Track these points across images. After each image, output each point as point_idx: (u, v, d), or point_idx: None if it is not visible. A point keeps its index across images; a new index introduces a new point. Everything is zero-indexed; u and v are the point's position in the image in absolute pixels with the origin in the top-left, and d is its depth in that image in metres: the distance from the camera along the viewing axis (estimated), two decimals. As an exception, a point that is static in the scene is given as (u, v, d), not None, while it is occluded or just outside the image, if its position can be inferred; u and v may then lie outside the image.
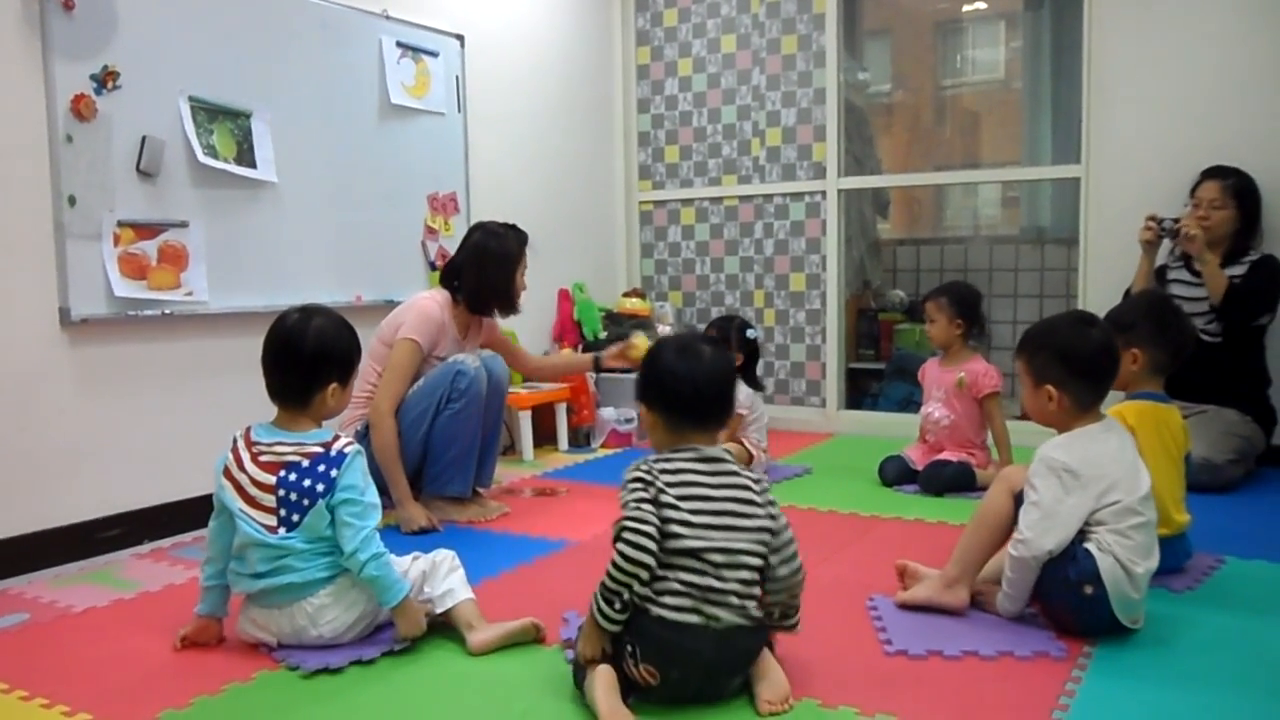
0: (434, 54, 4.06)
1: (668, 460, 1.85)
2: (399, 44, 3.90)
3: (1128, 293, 3.85)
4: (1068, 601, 2.10)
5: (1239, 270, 3.67)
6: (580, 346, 4.69)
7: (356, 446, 2.13)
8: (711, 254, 5.13)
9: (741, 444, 3.67)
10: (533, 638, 2.13)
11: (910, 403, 4.88)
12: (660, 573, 1.77)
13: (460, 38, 4.19)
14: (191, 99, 3.14)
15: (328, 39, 3.61)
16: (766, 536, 1.84)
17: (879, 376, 5.27)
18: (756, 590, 1.84)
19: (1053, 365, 2.19)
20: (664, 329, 4.82)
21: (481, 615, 2.14)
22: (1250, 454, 3.58)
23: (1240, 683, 1.91)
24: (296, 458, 2.08)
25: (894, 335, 5.41)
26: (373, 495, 2.11)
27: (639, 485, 1.82)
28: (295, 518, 2.04)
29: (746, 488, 1.86)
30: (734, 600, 1.79)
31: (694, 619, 1.76)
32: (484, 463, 3.28)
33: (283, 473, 2.06)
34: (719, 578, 1.78)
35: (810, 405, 4.90)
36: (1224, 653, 2.06)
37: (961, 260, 5.90)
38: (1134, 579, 2.07)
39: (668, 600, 1.77)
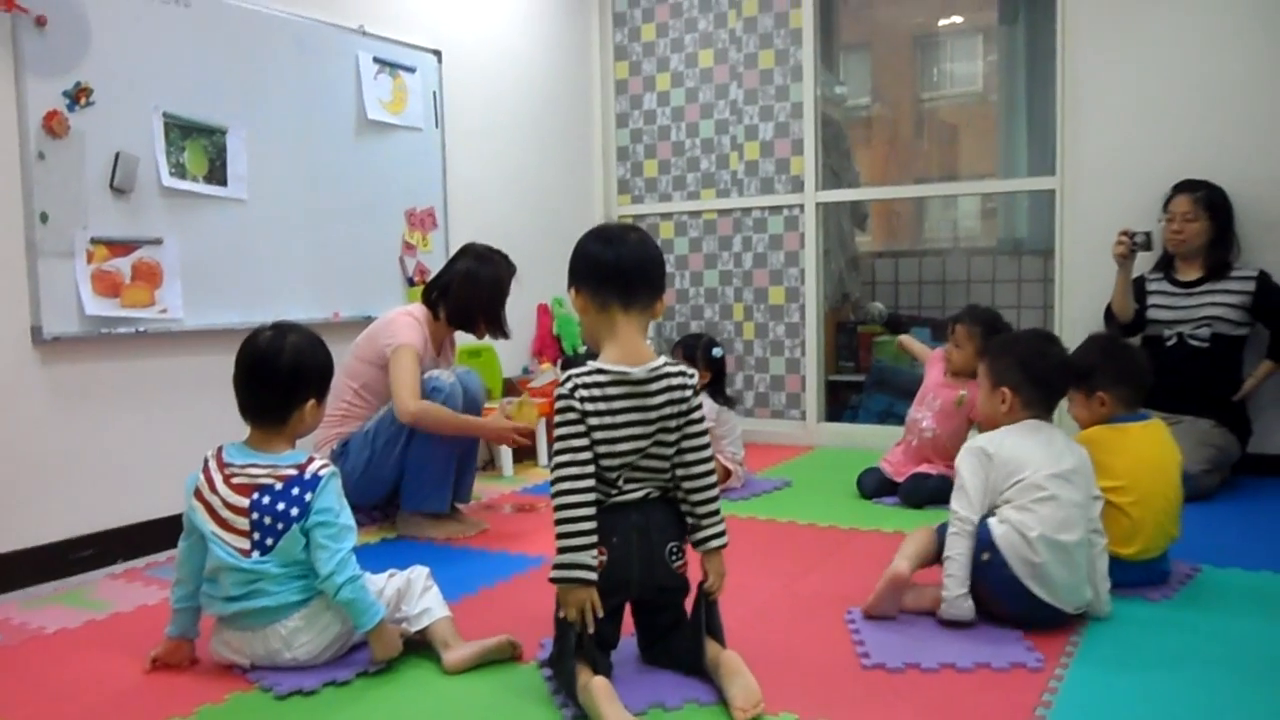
0: (411, 69, 4.06)
1: (598, 386, 1.91)
2: (376, 60, 3.89)
3: (1108, 309, 3.88)
4: (979, 577, 2.22)
5: (1233, 285, 3.71)
6: (560, 361, 4.69)
7: (331, 468, 2.11)
8: (690, 268, 5.13)
9: (715, 458, 3.66)
10: (509, 655, 2.12)
11: (890, 414, 4.89)
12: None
13: (438, 53, 4.19)
14: (166, 115, 3.13)
15: (304, 55, 3.60)
16: (671, 439, 1.99)
17: (859, 389, 5.28)
18: (670, 484, 2.02)
19: (1013, 370, 2.37)
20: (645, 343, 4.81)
21: (457, 633, 2.13)
22: (1225, 463, 3.60)
23: (1216, 689, 1.92)
24: (270, 480, 2.05)
25: (873, 347, 5.42)
26: (348, 517, 2.09)
27: (573, 418, 1.89)
28: (269, 541, 2.02)
29: (675, 401, 1.96)
30: (650, 487, 1.99)
31: (617, 503, 1.95)
32: (462, 479, 3.26)
33: (256, 495, 2.04)
34: (640, 479, 1.97)
35: (790, 418, 4.90)
36: (1200, 659, 2.07)
37: (940, 272, 5.94)
38: (1031, 543, 2.17)
39: (601, 498, 1.94)
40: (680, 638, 2.02)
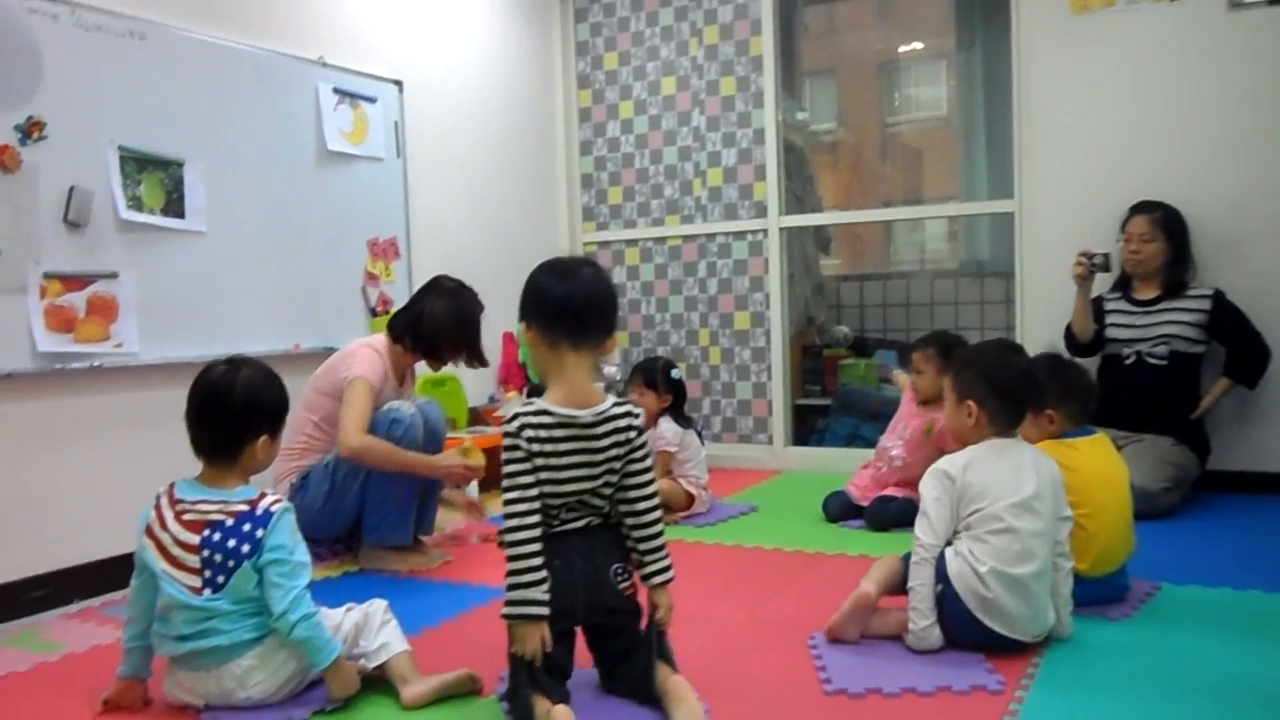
0: (372, 100, 4.06)
1: (544, 428, 1.91)
2: (336, 90, 3.89)
3: (1068, 329, 3.92)
4: (936, 607, 2.21)
5: (1190, 304, 3.76)
6: (526, 389, 4.67)
7: (285, 504, 2.08)
8: (656, 294, 5.14)
9: (678, 484, 3.66)
10: (469, 689, 2.09)
11: (856, 437, 4.91)
12: None
13: (399, 83, 4.19)
14: (121, 148, 3.10)
15: (263, 86, 3.59)
16: (613, 476, 1.98)
17: (825, 412, 5.29)
18: (608, 508, 2.02)
19: (977, 383, 2.33)
20: (609, 369, 4.82)
21: (416, 668, 2.10)
22: (1185, 481, 3.64)
23: (1177, 709, 1.93)
24: (221, 516, 2.02)
25: (839, 371, 5.44)
26: (302, 553, 2.06)
27: (520, 455, 1.90)
28: (220, 579, 1.99)
29: (620, 444, 1.97)
30: (591, 516, 1.99)
31: (559, 530, 1.96)
32: (424, 510, 3.23)
33: (207, 532, 2.01)
34: (581, 511, 1.98)
35: (757, 443, 4.90)
36: (1160, 678, 2.08)
37: (904, 295, 5.98)
38: (981, 578, 2.16)
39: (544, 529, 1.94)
40: (635, 664, 2.00)
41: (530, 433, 1.90)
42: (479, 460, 3.14)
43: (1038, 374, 2.42)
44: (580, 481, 1.94)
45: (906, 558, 2.32)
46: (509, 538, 1.89)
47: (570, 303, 1.95)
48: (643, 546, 2.01)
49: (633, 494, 2.00)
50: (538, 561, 1.88)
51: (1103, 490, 2.49)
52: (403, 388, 3.28)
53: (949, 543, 2.25)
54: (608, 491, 1.99)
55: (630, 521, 2.01)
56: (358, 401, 3.01)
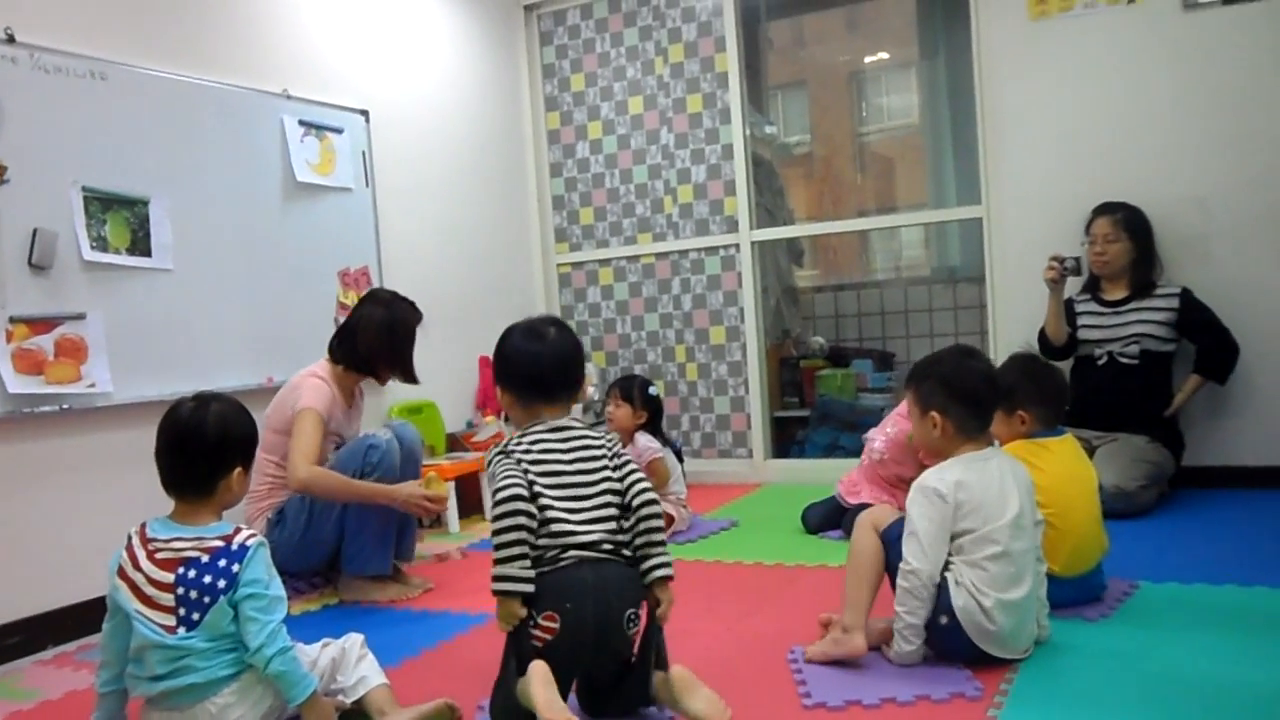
0: (338, 130, 4.06)
1: (525, 434, 2.06)
2: (301, 122, 3.89)
3: (1042, 332, 3.95)
4: (933, 635, 2.19)
5: (1158, 303, 3.80)
6: (503, 414, 4.66)
7: (259, 538, 2.06)
8: (631, 312, 5.15)
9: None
10: (447, 719, 2.08)
11: (836, 447, 4.92)
12: (537, 541, 1.95)
13: (365, 113, 4.20)
14: (85, 189, 3.10)
15: (227, 121, 3.59)
16: (615, 484, 2.04)
17: (804, 423, 5.31)
18: (622, 537, 2.02)
19: (936, 392, 2.29)
20: (589, 389, 4.82)
21: (395, 700, 2.09)
22: (1161, 478, 3.66)
23: (1153, 706, 1.93)
24: (196, 553, 2.00)
25: (816, 381, 5.46)
26: (278, 588, 2.05)
27: (507, 461, 2.01)
28: (195, 616, 1.96)
29: (591, 445, 2.08)
30: (605, 547, 1.98)
31: (572, 560, 1.95)
32: (403, 537, 3.20)
33: (181, 570, 1.99)
34: (587, 536, 1.97)
35: (738, 457, 4.91)
36: (1138, 678, 2.09)
37: (879, 303, 6.01)
38: (987, 612, 2.13)
39: (548, 559, 1.95)
40: (628, 682, 2.00)
41: (512, 445, 2.03)
42: (441, 491, 3.07)
43: (997, 376, 2.39)
44: (579, 475, 2.01)
45: (887, 536, 2.27)
46: (495, 511, 1.94)
47: (541, 373, 2.11)
48: (640, 540, 2.01)
49: (631, 488, 2.04)
50: (515, 536, 1.92)
51: (1070, 489, 2.50)
52: (352, 409, 3.28)
53: (945, 567, 2.18)
54: (616, 485, 2.03)
55: (636, 515, 2.02)
56: (306, 432, 3.00)
